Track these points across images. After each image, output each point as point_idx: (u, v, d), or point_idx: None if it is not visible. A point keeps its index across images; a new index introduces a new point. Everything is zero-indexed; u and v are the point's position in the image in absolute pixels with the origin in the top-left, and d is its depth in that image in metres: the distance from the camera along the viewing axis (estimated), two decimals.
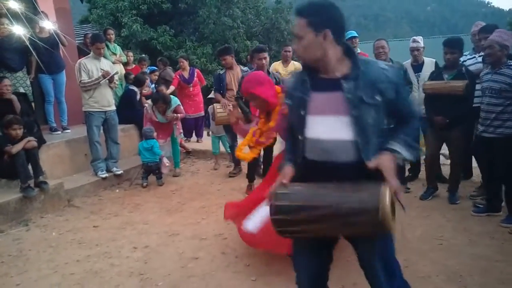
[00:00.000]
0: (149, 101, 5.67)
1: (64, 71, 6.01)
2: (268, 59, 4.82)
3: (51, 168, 5.01)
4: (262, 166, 5.07)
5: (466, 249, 3.17)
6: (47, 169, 4.76)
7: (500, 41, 3.48)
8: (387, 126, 1.72)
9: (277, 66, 6.11)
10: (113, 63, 6.33)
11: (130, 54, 7.99)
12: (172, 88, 6.93)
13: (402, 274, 1.79)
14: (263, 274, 2.93)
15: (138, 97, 6.51)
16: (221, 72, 5.48)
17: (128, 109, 6.34)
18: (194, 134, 7.64)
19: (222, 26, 15.57)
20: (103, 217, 4.30)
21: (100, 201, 4.86)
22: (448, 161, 4.56)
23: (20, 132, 4.28)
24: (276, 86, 3.25)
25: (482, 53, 4.27)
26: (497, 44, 3.47)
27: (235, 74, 5.34)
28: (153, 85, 7.21)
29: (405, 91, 1.79)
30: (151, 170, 5.41)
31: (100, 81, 5.10)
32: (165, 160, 5.45)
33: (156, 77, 7.55)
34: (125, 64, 7.50)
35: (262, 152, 4.86)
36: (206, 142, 6.96)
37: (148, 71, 7.83)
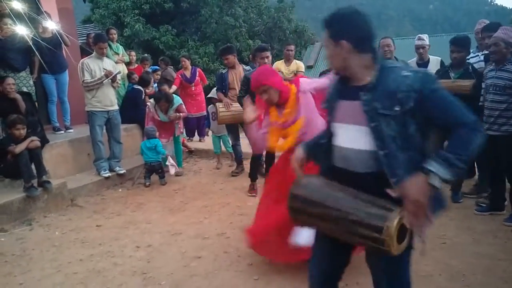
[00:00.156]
0: (151, 100, 5.68)
1: (67, 71, 6.03)
2: (270, 58, 4.81)
3: (54, 167, 5.02)
4: (264, 165, 5.08)
5: (469, 248, 3.16)
6: (50, 168, 4.77)
7: (505, 38, 3.45)
8: (421, 138, 1.58)
9: (279, 65, 6.10)
10: (116, 62, 6.35)
11: (133, 53, 8.00)
12: (174, 87, 6.93)
13: None
14: (265, 273, 2.93)
15: (143, 96, 6.52)
16: (223, 71, 5.48)
17: (132, 109, 6.37)
18: (196, 133, 7.65)
19: (224, 25, 15.60)
20: (106, 217, 4.31)
21: (103, 200, 4.87)
22: None
23: (23, 132, 4.30)
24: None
25: (485, 52, 4.25)
26: (502, 42, 3.45)
27: (237, 73, 5.33)
28: (155, 85, 7.23)
29: (441, 96, 1.53)
30: (154, 170, 5.41)
31: (103, 80, 5.12)
32: (171, 161, 5.47)
33: (159, 76, 7.57)
34: (128, 64, 7.51)
35: (264, 152, 4.88)
36: (208, 142, 6.96)
37: (150, 71, 7.84)
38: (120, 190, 5.28)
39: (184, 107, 5.82)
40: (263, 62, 4.64)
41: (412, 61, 4.82)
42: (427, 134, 1.62)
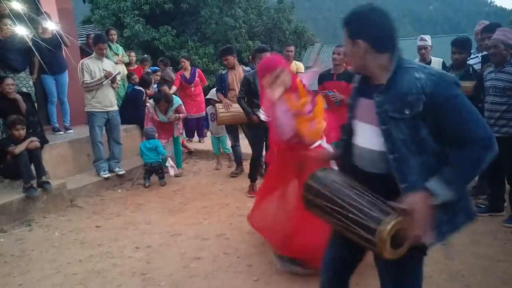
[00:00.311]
0: (151, 101, 5.68)
1: (66, 71, 6.03)
2: None
3: (54, 168, 5.02)
4: (264, 166, 5.07)
5: (469, 249, 3.16)
6: (50, 169, 4.77)
7: (505, 40, 3.44)
8: (437, 146, 1.49)
9: None
10: (116, 63, 6.35)
11: (133, 54, 8.00)
12: (174, 88, 6.94)
13: None
14: (265, 274, 2.93)
15: (144, 97, 6.53)
16: (223, 72, 5.48)
17: (133, 109, 6.37)
18: (196, 134, 7.65)
19: (224, 26, 15.61)
20: (105, 217, 4.31)
21: (103, 201, 4.87)
22: None
23: (23, 132, 4.30)
24: None
25: (484, 53, 4.25)
26: (502, 44, 3.44)
27: (237, 74, 5.34)
28: (155, 85, 7.23)
29: (455, 106, 1.42)
30: (154, 170, 5.41)
31: (103, 81, 5.12)
32: (171, 162, 5.47)
33: (159, 77, 7.57)
34: (127, 65, 7.51)
35: (264, 152, 4.88)
36: (208, 142, 6.96)
37: (151, 72, 7.84)
38: (119, 190, 5.27)
39: (183, 107, 5.82)
40: None
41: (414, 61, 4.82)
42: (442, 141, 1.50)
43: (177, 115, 5.60)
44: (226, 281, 2.89)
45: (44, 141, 4.73)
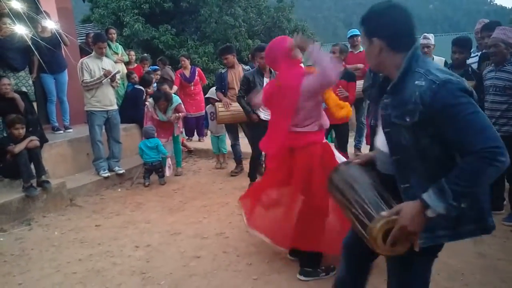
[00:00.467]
0: (150, 100, 5.67)
1: (66, 70, 6.02)
2: None
3: (54, 167, 5.02)
4: (264, 165, 5.08)
5: (468, 248, 3.16)
6: (50, 168, 4.77)
7: (505, 39, 3.43)
8: (444, 154, 1.43)
9: None
10: (115, 62, 6.35)
11: (132, 53, 8.01)
12: (175, 88, 6.98)
13: None
14: (264, 273, 2.93)
15: (144, 96, 6.53)
16: (223, 71, 5.48)
17: (133, 108, 6.37)
18: (195, 133, 7.65)
19: (224, 25, 15.58)
20: (105, 216, 4.31)
21: (102, 200, 4.87)
22: None
23: (22, 131, 4.30)
24: None
25: (484, 51, 4.24)
26: (502, 43, 3.43)
27: (237, 73, 5.34)
28: (155, 84, 7.23)
29: (455, 114, 1.34)
30: (154, 169, 5.41)
31: (102, 80, 5.12)
32: (170, 162, 5.48)
33: (159, 76, 7.57)
34: (127, 64, 7.52)
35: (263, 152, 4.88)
36: (207, 141, 6.97)
37: (151, 70, 7.84)
38: (119, 190, 5.27)
39: (183, 106, 5.82)
40: (262, 62, 4.64)
41: None
42: (445, 150, 1.44)
43: (177, 114, 5.60)
44: (226, 280, 2.89)
45: (43, 140, 4.72)
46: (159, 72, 7.72)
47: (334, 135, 5.10)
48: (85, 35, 8.27)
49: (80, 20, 17.51)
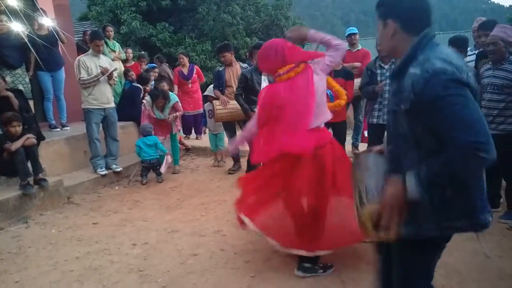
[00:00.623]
0: (148, 98, 5.66)
1: (63, 68, 6.01)
2: None
3: (51, 165, 5.01)
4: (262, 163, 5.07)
5: (465, 245, 3.16)
6: (47, 166, 4.76)
7: (504, 37, 3.39)
8: (436, 144, 1.40)
9: None
10: (112, 60, 6.33)
11: (129, 51, 7.99)
12: (176, 88, 7.01)
13: None
14: (262, 271, 2.93)
15: (142, 95, 6.51)
16: (220, 69, 5.47)
17: (130, 106, 6.36)
18: (193, 131, 7.64)
19: (222, 22, 15.54)
20: (102, 214, 4.30)
21: (100, 198, 4.86)
22: None
23: (19, 129, 4.28)
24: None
25: (481, 50, 4.24)
26: (501, 41, 3.39)
27: (235, 71, 5.33)
28: (153, 82, 7.21)
29: (443, 106, 1.34)
30: (152, 167, 5.41)
31: (99, 78, 5.10)
32: (169, 159, 5.48)
33: (157, 74, 7.56)
34: (124, 61, 7.50)
35: None
36: (205, 139, 6.96)
37: (150, 68, 7.82)
38: (116, 187, 5.27)
39: (180, 104, 5.81)
40: None
41: None
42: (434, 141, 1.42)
43: (175, 114, 5.58)
44: (223, 277, 2.89)
45: (40, 138, 4.71)
46: (157, 70, 7.71)
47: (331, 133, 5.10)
48: (82, 32, 8.24)
49: (77, 17, 17.46)
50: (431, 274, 1.67)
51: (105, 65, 5.21)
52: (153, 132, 5.45)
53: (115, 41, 7.53)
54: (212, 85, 5.66)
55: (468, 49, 4.59)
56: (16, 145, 4.17)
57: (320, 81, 2.65)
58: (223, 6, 15.82)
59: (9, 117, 4.25)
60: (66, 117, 6.10)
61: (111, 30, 7.40)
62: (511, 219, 3.55)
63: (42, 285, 2.89)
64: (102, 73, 5.10)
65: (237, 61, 5.58)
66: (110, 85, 5.35)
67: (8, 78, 5.07)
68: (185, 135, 7.45)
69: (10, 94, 4.61)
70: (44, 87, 5.85)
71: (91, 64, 5.12)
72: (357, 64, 5.74)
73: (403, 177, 1.41)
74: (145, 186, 5.26)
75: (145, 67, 7.84)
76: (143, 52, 9.87)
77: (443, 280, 2.72)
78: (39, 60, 5.57)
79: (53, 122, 5.95)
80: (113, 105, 5.45)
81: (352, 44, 6.09)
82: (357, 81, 4.93)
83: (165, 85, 6.05)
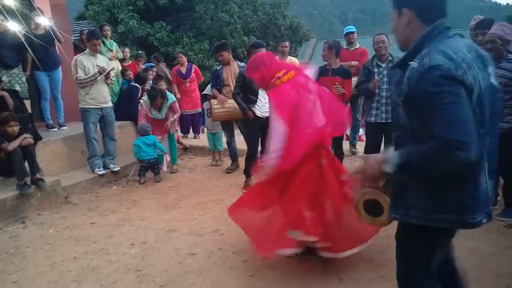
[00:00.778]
0: (145, 98, 5.64)
1: (60, 67, 5.98)
2: None
3: (48, 165, 5.00)
4: (259, 162, 5.07)
5: (462, 243, 3.16)
6: (44, 166, 4.75)
7: (502, 35, 3.38)
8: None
9: None
10: (110, 59, 6.31)
11: (127, 50, 7.97)
12: (175, 87, 7.00)
13: None
14: (260, 269, 2.93)
15: (139, 94, 6.50)
16: (218, 67, 5.46)
17: (128, 105, 6.35)
18: (191, 130, 7.63)
19: (219, 21, 15.55)
20: (100, 214, 4.29)
21: (97, 198, 4.85)
22: None
23: (16, 128, 4.26)
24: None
25: None
26: (499, 39, 3.38)
27: (232, 70, 5.32)
28: (151, 82, 7.20)
29: (431, 102, 1.36)
30: (150, 167, 5.40)
31: (96, 77, 5.09)
32: (168, 158, 5.47)
33: (155, 73, 7.55)
34: (122, 61, 7.48)
35: (260, 148, 4.88)
36: (203, 138, 6.96)
37: (148, 67, 7.80)
38: (114, 187, 5.26)
39: (177, 105, 5.80)
40: None
41: None
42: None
43: (172, 119, 5.57)
44: (221, 276, 2.89)
45: (37, 138, 4.70)
46: (155, 69, 7.69)
47: None
48: (79, 32, 8.21)
49: (74, 17, 17.42)
50: (428, 265, 1.67)
51: (102, 65, 5.19)
52: (151, 132, 5.44)
53: (112, 41, 7.51)
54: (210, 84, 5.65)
55: None
56: (13, 145, 4.16)
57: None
58: (220, 5, 15.83)
59: (6, 116, 4.24)
60: (63, 117, 6.08)
61: (108, 29, 7.38)
62: (508, 217, 3.55)
63: (40, 285, 2.88)
64: (99, 73, 5.09)
65: (234, 60, 5.57)
66: (108, 84, 5.34)
67: (4, 78, 5.06)
68: (183, 135, 7.44)
69: (5, 94, 4.59)
70: (41, 87, 5.83)
71: (88, 63, 5.11)
72: (354, 63, 5.74)
73: (388, 153, 1.50)
74: (143, 186, 5.25)
75: (142, 66, 7.82)
76: (140, 51, 9.86)
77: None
78: (36, 60, 5.54)
79: (51, 121, 5.93)
80: (110, 104, 5.44)
81: (350, 43, 6.09)
82: (355, 80, 4.94)
83: (163, 84, 6.04)
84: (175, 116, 5.63)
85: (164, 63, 8.18)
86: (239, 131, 5.63)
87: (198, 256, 3.22)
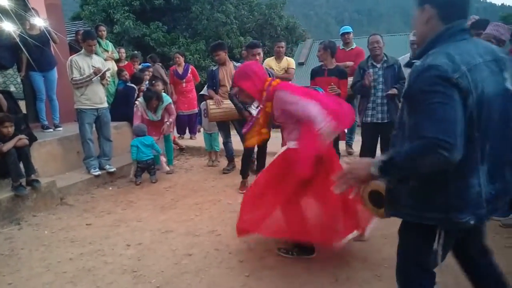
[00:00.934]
0: (140, 99, 5.63)
1: (55, 68, 5.96)
2: (262, 55, 4.80)
3: (43, 166, 4.97)
4: (256, 162, 5.08)
5: None
6: (39, 167, 4.72)
7: (497, 35, 3.41)
8: None
9: (270, 62, 6.08)
10: (105, 60, 6.29)
11: (122, 50, 7.95)
12: (172, 87, 7.00)
13: None
14: (256, 270, 2.93)
15: (136, 95, 6.48)
16: (214, 68, 5.46)
17: (124, 106, 6.33)
18: (187, 130, 7.62)
19: (215, 22, 15.55)
20: (96, 215, 4.27)
21: (93, 199, 4.84)
22: None
23: (11, 129, 4.24)
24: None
25: None
26: (494, 39, 3.40)
27: (228, 70, 5.31)
28: (147, 82, 7.19)
29: (422, 101, 1.38)
30: (147, 167, 5.38)
31: (92, 78, 5.07)
32: (164, 159, 5.46)
33: (151, 73, 7.54)
34: (117, 61, 7.46)
35: (256, 148, 4.88)
36: (199, 139, 6.95)
37: (145, 67, 7.79)
38: (110, 188, 5.24)
39: (173, 107, 5.79)
40: (254, 59, 4.63)
41: (405, 57, 4.85)
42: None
43: (168, 122, 5.56)
44: (218, 277, 2.88)
45: (32, 139, 4.67)
46: (151, 70, 7.68)
47: None
48: (74, 32, 8.18)
49: (69, 17, 17.36)
50: (424, 263, 1.73)
51: (98, 65, 5.18)
52: (147, 133, 5.43)
53: (108, 41, 7.49)
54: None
55: None
56: (8, 146, 4.13)
57: None
58: (216, 5, 15.83)
59: (1, 117, 4.21)
60: (58, 118, 6.06)
61: (103, 29, 7.36)
62: (503, 216, 3.57)
63: (35, 287, 2.86)
64: (95, 73, 5.07)
65: (231, 60, 5.56)
66: (103, 85, 5.32)
67: None
68: (179, 135, 7.43)
69: None
70: (36, 88, 5.80)
71: (84, 64, 5.09)
72: (349, 63, 5.75)
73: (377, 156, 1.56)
74: (139, 187, 5.24)
75: (138, 66, 7.81)
76: (136, 52, 9.84)
77: (437, 276, 2.73)
78: (31, 60, 5.52)
79: (46, 122, 5.91)
80: (106, 105, 5.42)
81: (346, 43, 6.11)
82: (350, 80, 4.95)
83: (159, 85, 6.04)
84: (170, 120, 5.62)
85: (160, 64, 8.17)
86: (235, 131, 5.63)
87: (194, 256, 3.21)
